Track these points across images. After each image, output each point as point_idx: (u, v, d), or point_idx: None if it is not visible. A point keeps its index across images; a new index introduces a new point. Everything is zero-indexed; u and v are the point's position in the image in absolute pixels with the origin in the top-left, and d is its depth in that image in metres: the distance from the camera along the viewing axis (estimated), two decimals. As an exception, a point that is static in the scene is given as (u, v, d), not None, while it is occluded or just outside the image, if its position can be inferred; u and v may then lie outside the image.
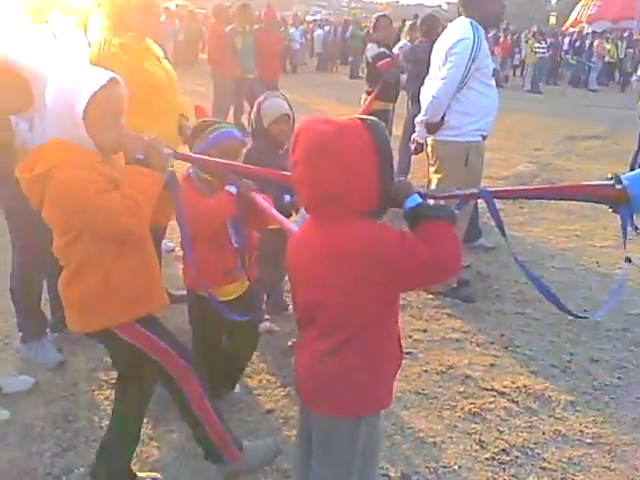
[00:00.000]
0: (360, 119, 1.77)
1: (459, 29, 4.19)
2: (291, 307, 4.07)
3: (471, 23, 4.14)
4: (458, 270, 1.82)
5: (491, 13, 4.29)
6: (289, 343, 3.65)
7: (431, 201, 2.01)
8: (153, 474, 2.65)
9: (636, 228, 1.96)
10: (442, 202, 2.16)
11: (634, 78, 7.73)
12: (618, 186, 1.91)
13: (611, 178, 1.94)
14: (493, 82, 4.40)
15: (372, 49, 6.70)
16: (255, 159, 3.01)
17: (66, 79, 2.10)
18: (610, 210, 1.99)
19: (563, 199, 2.09)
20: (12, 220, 3.25)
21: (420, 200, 1.81)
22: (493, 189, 2.08)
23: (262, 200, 2.61)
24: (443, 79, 4.18)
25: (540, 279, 2.15)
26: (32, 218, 3.04)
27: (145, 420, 2.79)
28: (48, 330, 3.55)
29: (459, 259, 1.78)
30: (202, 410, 2.46)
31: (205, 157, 2.56)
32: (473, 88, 4.21)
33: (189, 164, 2.75)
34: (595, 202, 2.03)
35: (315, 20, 31.28)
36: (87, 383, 3.29)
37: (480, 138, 4.36)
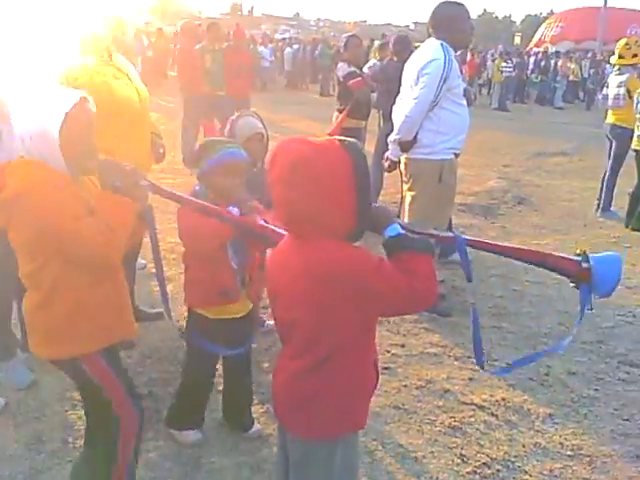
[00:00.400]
0: (339, 140, 1.76)
1: (430, 50, 4.25)
2: (267, 323, 4.03)
3: (442, 44, 4.21)
4: (433, 302, 1.81)
5: (461, 34, 4.36)
6: None
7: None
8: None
9: (591, 308, 2.03)
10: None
11: (599, 96, 7.89)
12: (584, 264, 1.99)
13: (579, 255, 2.01)
14: (464, 101, 4.47)
15: (343, 68, 6.77)
16: None
17: (36, 101, 2.05)
18: (571, 284, 2.07)
19: (531, 263, 2.14)
20: None
21: (400, 230, 1.81)
22: (468, 237, 2.12)
23: (264, 223, 2.56)
24: (415, 99, 4.23)
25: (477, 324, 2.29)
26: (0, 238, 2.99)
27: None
28: (18, 350, 3.45)
29: (435, 292, 1.79)
30: (123, 456, 2.33)
31: (183, 195, 2.47)
32: (445, 107, 4.27)
33: (196, 180, 2.72)
34: (560, 274, 2.10)
35: (284, 39, 31.47)
36: (60, 403, 3.20)
37: (453, 156, 4.41)
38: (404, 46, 6.80)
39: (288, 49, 24.47)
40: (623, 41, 7.21)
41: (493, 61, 21.61)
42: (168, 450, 2.90)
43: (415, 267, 1.73)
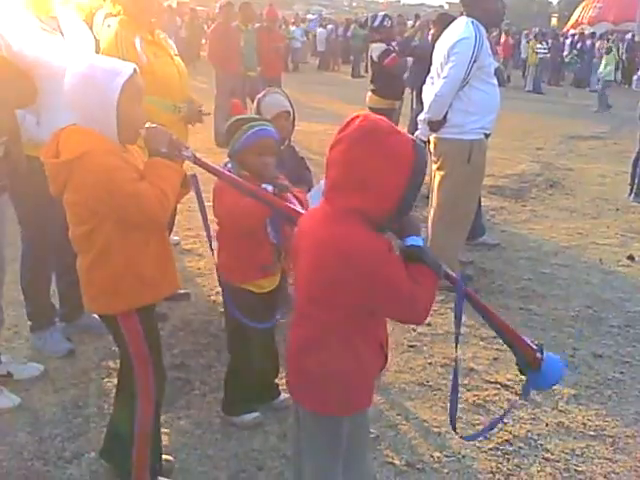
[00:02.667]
0: (413, 139, 1.82)
1: (460, 28, 4.24)
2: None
3: (472, 22, 4.19)
4: (423, 319, 1.93)
5: (492, 12, 4.33)
6: None
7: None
8: (166, 456, 2.68)
9: (527, 394, 2.34)
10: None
11: (635, 78, 7.75)
12: (538, 354, 2.10)
13: (539, 345, 2.13)
14: (495, 80, 4.45)
15: (378, 48, 6.78)
16: None
17: (93, 67, 2.13)
18: (515, 366, 2.19)
19: (497, 332, 2.22)
20: (21, 209, 3.29)
21: (422, 243, 1.88)
22: (468, 289, 2.04)
23: (295, 202, 2.60)
24: (445, 78, 4.23)
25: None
26: (40, 208, 3.09)
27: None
28: (57, 319, 3.58)
29: (428, 310, 1.87)
30: (142, 416, 2.39)
31: (221, 169, 2.52)
32: (475, 87, 4.26)
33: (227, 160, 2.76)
34: (515, 354, 2.17)
35: (319, 16, 31.30)
36: (96, 371, 3.32)
37: (482, 136, 4.40)
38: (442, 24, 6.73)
39: (320, 29, 24.36)
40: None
41: (528, 42, 21.27)
42: (199, 418, 3.00)
43: (423, 280, 1.82)
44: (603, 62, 15.61)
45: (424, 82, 4.70)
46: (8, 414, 2.96)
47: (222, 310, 3.97)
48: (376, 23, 6.93)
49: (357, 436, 2.04)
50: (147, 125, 2.22)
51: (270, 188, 2.61)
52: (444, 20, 6.37)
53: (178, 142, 2.25)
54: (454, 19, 4.82)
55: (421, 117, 4.55)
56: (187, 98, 3.87)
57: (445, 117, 4.32)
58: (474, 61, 4.14)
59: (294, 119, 3.46)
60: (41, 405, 3.04)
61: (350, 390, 1.92)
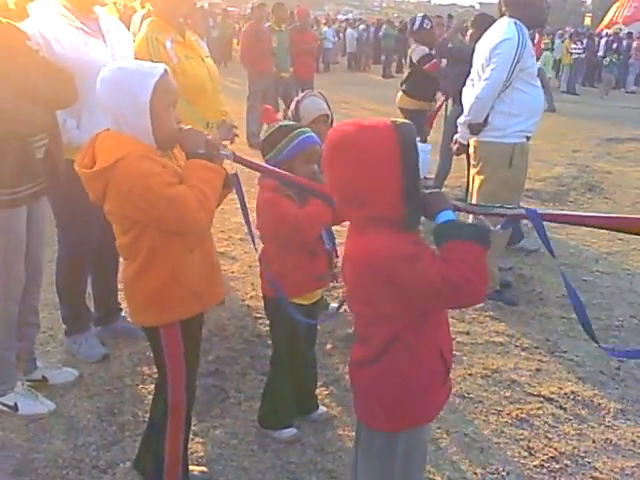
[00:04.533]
0: (391, 120, 1.70)
1: (502, 29, 4.11)
2: (331, 306, 4.03)
3: (515, 23, 4.07)
4: (477, 295, 1.67)
5: (536, 13, 4.20)
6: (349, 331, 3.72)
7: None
8: (201, 468, 2.63)
9: None
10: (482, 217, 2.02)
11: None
12: None
13: None
14: (538, 82, 4.32)
15: (418, 51, 6.69)
16: None
17: (123, 71, 2.07)
18: None
19: (620, 231, 1.86)
20: (59, 211, 3.26)
21: (452, 217, 1.70)
22: (542, 212, 1.86)
23: None
24: (486, 80, 4.11)
25: (578, 296, 1.89)
26: (79, 211, 3.06)
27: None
28: (92, 324, 3.55)
29: (478, 284, 1.63)
30: (172, 450, 2.35)
31: (262, 164, 2.43)
32: (518, 89, 4.13)
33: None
34: None
35: (347, 19, 31.25)
36: (131, 377, 3.28)
37: (525, 139, 4.27)
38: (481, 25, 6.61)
39: (350, 30, 24.26)
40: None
41: (562, 42, 20.93)
42: (234, 428, 2.93)
43: (458, 257, 1.61)
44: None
45: (462, 84, 4.60)
46: (43, 420, 2.93)
47: (256, 315, 3.96)
48: (416, 26, 6.82)
49: (413, 457, 1.93)
50: (180, 127, 2.15)
51: None
52: (483, 21, 6.21)
53: (215, 142, 2.16)
54: (494, 20, 4.70)
55: (461, 120, 4.44)
56: (220, 114, 3.79)
57: (486, 120, 4.21)
58: (517, 62, 4.02)
59: (332, 123, 3.37)
60: (76, 411, 3.01)
61: (407, 407, 1.84)
